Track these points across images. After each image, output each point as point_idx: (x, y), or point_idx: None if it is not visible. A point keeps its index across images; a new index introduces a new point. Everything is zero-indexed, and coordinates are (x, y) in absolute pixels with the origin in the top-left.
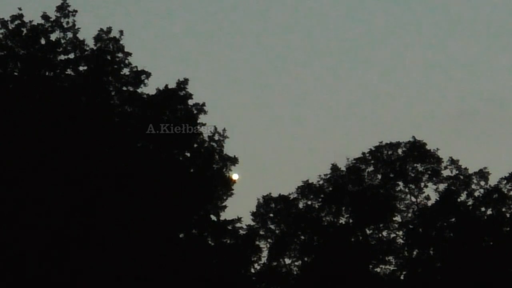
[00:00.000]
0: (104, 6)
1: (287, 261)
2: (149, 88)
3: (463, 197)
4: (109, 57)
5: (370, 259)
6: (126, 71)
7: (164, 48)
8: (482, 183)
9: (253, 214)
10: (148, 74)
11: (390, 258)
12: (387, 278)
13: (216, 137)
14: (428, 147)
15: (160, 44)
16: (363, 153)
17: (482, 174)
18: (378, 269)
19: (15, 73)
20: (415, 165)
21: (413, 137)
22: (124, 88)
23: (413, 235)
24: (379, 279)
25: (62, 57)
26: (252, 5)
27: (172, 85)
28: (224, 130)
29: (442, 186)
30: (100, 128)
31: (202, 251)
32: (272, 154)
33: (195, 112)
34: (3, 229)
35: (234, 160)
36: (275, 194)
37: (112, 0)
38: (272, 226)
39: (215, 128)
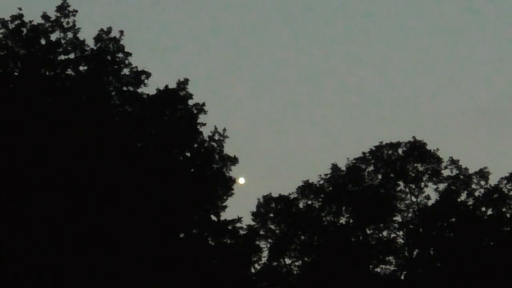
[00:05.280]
0: (104, 6)
1: (287, 261)
2: (149, 88)
3: (463, 197)
4: (109, 57)
5: (370, 259)
6: (126, 71)
7: (164, 48)
8: (482, 183)
9: (253, 214)
10: (148, 74)
11: (390, 258)
12: (387, 278)
13: (216, 137)
14: (428, 147)
15: (160, 44)
16: (363, 153)
17: (482, 174)
18: (378, 269)
19: (15, 73)
20: (415, 165)
21: (413, 137)
22: (124, 88)
23: (413, 235)
24: (379, 279)
25: (62, 57)
26: (252, 5)
27: (172, 85)
28: (224, 130)
29: (442, 186)
30: (100, 128)
31: (202, 251)
32: (272, 154)
33: (195, 112)
34: (3, 229)
35: (234, 160)
36: (275, 194)
37: (112, 0)
38: (272, 226)
39: (215, 128)
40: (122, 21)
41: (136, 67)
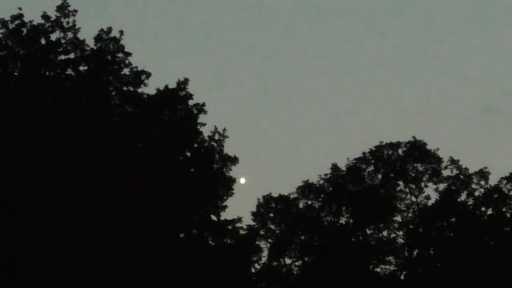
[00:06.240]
0: (104, 6)
1: (287, 261)
2: (149, 88)
3: (463, 197)
4: (109, 57)
5: (370, 259)
6: (126, 71)
7: (164, 48)
8: (482, 182)
9: (253, 214)
10: (148, 74)
11: (390, 258)
12: (387, 278)
13: (216, 137)
14: (428, 147)
15: (160, 44)
16: (363, 153)
17: (483, 174)
18: (378, 269)
19: (15, 73)
20: (415, 165)
21: (413, 137)
22: (124, 88)
23: (413, 235)
24: (379, 279)
25: (62, 57)
26: (252, 5)
27: (172, 85)
28: (224, 130)
29: (442, 186)
30: (100, 128)
31: (202, 251)
32: (272, 154)
33: (195, 112)
34: (3, 229)
35: (234, 160)
36: (275, 194)
37: (112, 0)
38: (272, 226)
39: (215, 128)
40: (122, 21)
41: (136, 67)
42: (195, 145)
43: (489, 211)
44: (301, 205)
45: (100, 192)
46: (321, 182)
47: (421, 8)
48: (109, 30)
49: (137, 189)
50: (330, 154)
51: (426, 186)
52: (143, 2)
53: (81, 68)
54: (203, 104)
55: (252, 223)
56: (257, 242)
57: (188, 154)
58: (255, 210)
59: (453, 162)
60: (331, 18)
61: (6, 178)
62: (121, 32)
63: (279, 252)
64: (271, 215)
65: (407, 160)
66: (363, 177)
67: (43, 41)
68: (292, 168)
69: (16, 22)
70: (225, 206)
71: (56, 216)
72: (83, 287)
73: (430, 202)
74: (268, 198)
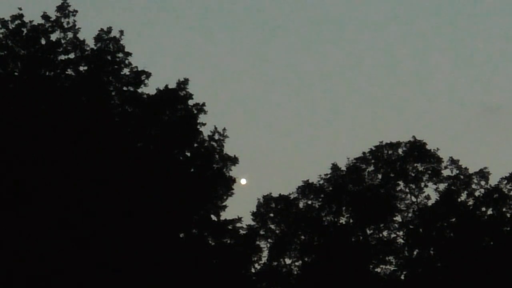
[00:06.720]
0: (104, 6)
1: (288, 261)
2: (149, 88)
3: (463, 197)
4: (109, 57)
5: (370, 259)
6: (126, 71)
7: (164, 48)
8: (483, 183)
9: (253, 214)
10: (148, 74)
11: (390, 258)
12: (387, 278)
13: (216, 137)
14: (428, 147)
15: (160, 44)
16: (363, 153)
17: (483, 174)
18: (378, 269)
19: (15, 73)
20: (415, 165)
21: (413, 137)
22: (124, 88)
23: (413, 235)
24: (379, 279)
25: (63, 57)
26: (252, 5)
27: (172, 85)
28: (224, 130)
29: (442, 186)
30: (100, 128)
31: (202, 251)
32: (272, 154)
33: (195, 112)
34: (3, 229)
35: (234, 160)
36: (275, 194)
37: (112, 0)
38: (272, 226)
39: (215, 128)
40: (122, 21)
41: (136, 67)
42: (195, 145)
43: (489, 211)
44: (301, 205)
45: (100, 192)
46: (321, 182)
47: (422, 8)
48: (109, 30)
49: (137, 189)
50: (330, 154)
51: (426, 186)
52: (143, 2)
53: (81, 68)
54: (203, 104)
55: (252, 223)
56: (257, 242)
57: (188, 154)
58: (255, 210)
59: (453, 162)
60: (330, 18)
61: (6, 178)
62: (121, 32)
63: (279, 252)
64: (271, 215)
65: (407, 160)
66: (363, 177)
67: (43, 41)
68: (292, 168)
69: (16, 22)
70: (225, 206)
71: (56, 216)
72: (83, 287)
73: (430, 202)
74: (268, 198)
